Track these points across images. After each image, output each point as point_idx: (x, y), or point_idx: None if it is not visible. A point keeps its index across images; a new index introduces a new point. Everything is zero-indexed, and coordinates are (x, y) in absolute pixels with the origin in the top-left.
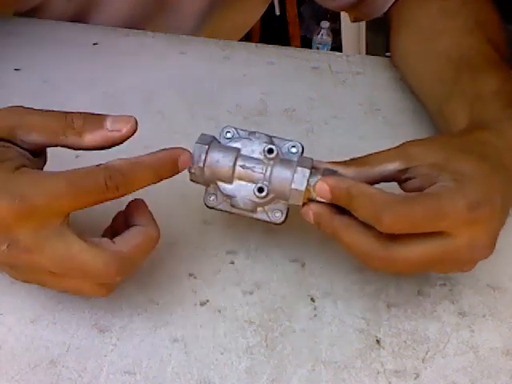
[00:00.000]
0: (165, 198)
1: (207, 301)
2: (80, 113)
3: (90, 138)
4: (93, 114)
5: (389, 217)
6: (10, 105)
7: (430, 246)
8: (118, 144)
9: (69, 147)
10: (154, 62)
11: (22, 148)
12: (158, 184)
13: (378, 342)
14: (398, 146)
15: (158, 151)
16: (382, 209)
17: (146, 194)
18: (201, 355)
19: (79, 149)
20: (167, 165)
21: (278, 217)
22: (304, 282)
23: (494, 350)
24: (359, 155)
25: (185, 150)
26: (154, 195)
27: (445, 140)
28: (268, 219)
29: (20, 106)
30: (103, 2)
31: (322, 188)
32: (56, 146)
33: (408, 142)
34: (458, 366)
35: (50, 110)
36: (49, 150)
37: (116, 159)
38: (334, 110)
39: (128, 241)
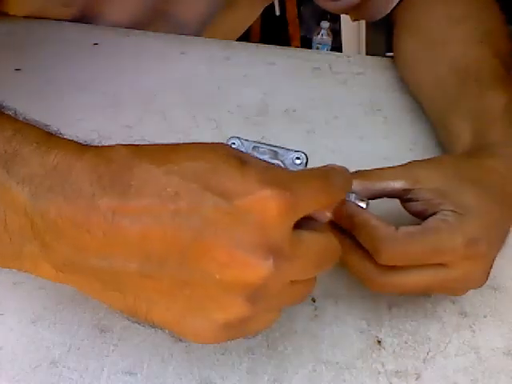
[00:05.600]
0: None
1: None
2: None
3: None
4: None
5: (387, 252)
6: (10, 105)
7: (427, 276)
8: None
9: None
10: (155, 62)
11: None
12: None
13: (378, 342)
14: (404, 165)
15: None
16: (380, 243)
17: None
18: (202, 355)
19: None
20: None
21: None
22: None
23: (495, 350)
24: (359, 155)
25: None
26: None
27: (451, 164)
28: None
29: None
30: (103, 9)
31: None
32: None
33: (415, 161)
34: (459, 366)
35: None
36: None
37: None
38: (334, 110)
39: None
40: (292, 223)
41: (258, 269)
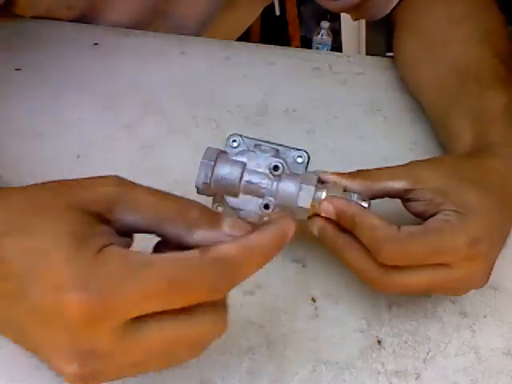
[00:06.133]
0: None
1: None
2: (196, 203)
3: (202, 234)
4: (210, 209)
5: (388, 252)
6: (10, 105)
7: (429, 276)
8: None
9: (169, 238)
10: (155, 62)
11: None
12: (159, 184)
13: (378, 342)
14: (405, 165)
15: (264, 228)
16: (381, 243)
17: None
18: (202, 356)
19: (181, 243)
20: (277, 246)
21: None
22: (305, 282)
23: (495, 350)
24: (359, 155)
25: (290, 221)
26: None
27: (452, 164)
28: None
29: (126, 180)
30: (104, 9)
31: (328, 208)
32: (153, 233)
33: (416, 161)
34: (458, 366)
35: (159, 191)
36: (49, 149)
37: (224, 245)
38: (334, 110)
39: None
40: (111, 325)
41: (64, 370)
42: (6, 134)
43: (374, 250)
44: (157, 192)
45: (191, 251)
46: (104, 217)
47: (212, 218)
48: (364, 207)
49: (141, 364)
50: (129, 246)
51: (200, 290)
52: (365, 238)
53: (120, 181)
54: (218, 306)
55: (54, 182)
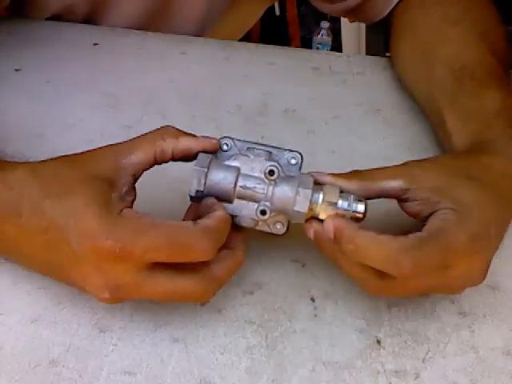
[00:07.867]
0: (166, 197)
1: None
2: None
3: (185, 140)
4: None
5: (408, 262)
6: (10, 105)
7: (430, 277)
8: (207, 151)
9: (164, 157)
10: (155, 63)
11: (123, 183)
12: (159, 184)
13: (378, 342)
14: (402, 165)
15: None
16: (399, 254)
17: (145, 193)
18: (201, 355)
19: (173, 156)
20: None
21: (280, 229)
22: (304, 282)
23: (495, 350)
24: (359, 155)
25: None
26: (155, 195)
27: (448, 163)
28: (269, 231)
29: (118, 143)
30: (106, 12)
31: (329, 228)
32: (155, 161)
33: (412, 161)
34: (458, 366)
35: (139, 137)
36: (49, 149)
37: (206, 220)
38: (334, 110)
39: (221, 265)
40: (133, 266)
41: (98, 296)
42: (7, 135)
43: (390, 264)
44: (138, 137)
45: (186, 222)
46: (116, 175)
47: (189, 134)
48: (360, 219)
49: (152, 295)
50: (135, 196)
51: (191, 250)
52: (374, 255)
53: (112, 146)
54: (209, 274)
55: (70, 157)
